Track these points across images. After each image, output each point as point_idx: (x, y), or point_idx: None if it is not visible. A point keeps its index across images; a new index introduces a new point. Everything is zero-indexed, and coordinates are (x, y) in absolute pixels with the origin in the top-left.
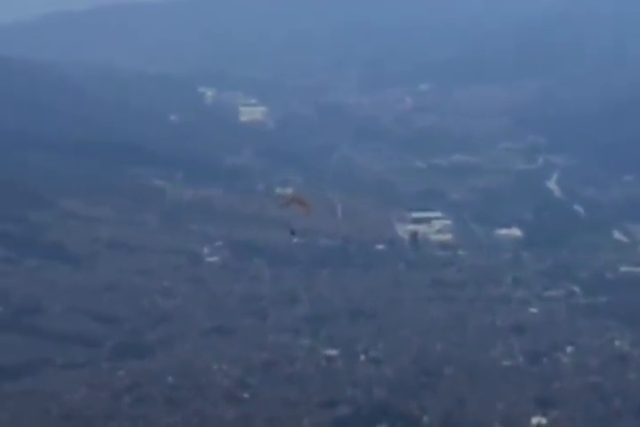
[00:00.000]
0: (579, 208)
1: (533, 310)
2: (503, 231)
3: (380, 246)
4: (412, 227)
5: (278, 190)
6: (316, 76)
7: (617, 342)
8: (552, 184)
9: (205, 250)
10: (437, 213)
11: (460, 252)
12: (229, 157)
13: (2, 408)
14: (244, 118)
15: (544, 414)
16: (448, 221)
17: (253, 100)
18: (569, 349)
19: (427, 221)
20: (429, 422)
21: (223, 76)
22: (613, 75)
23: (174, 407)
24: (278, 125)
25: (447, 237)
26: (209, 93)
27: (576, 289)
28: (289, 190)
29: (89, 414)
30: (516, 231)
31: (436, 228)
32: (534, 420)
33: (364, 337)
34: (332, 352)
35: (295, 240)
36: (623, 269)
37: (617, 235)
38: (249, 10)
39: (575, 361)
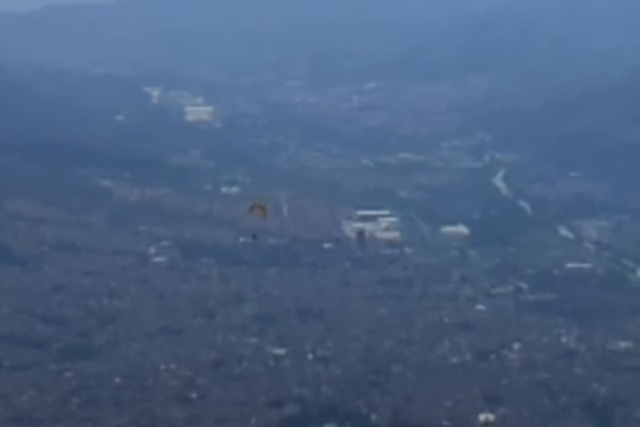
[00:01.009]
0: (525, 205)
1: (480, 307)
2: (450, 229)
3: (327, 245)
4: (359, 225)
5: (225, 189)
6: (262, 75)
7: (564, 339)
8: (499, 181)
9: (152, 250)
10: (384, 211)
11: (407, 249)
12: (176, 156)
13: None
14: (190, 118)
15: (492, 411)
16: (395, 219)
17: (200, 100)
18: (516, 345)
19: (374, 219)
20: (378, 421)
21: (169, 75)
22: (560, 71)
23: (123, 409)
24: (225, 125)
25: (394, 235)
26: (155, 93)
27: (523, 286)
28: (235, 190)
29: (36, 417)
30: (462, 229)
31: (383, 226)
32: (482, 417)
33: (311, 336)
34: (280, 351)
35: (242, 240)
36: (570, 265)
37: (563, 231)
38: (195, 9)
39: (522, 358)
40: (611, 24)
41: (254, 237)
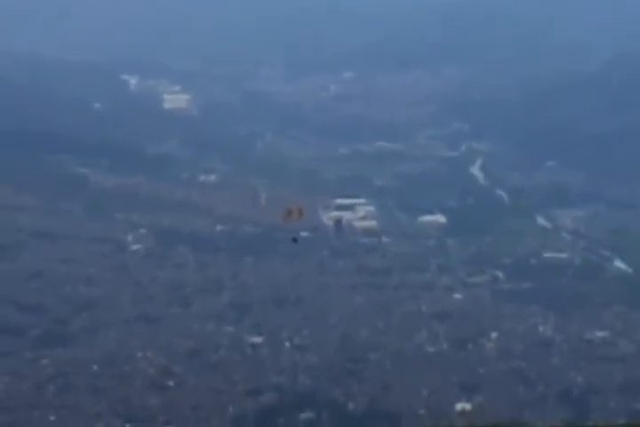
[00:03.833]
0: (502, 194)
1: (458, 296)
2: (427, 218)
3: (304, 234)
4: (336, 214)
5: (202, 178)
6: (239, 64)
7: (540, 328)
8: (476, 171)
9: (130, 238)
10: (361, 200)
11: (385, 238)
12: (153, 144)
13: None
14: (167, 106)
15: (468, 400)
16: (372, 208)
17: (177, 88)
18: (493, 334)
19: (351, 207)
20: (355, 409)
21: (146, 63)
22: (536, 60)
23: (99, 396)
24: (202, 113)
25: (371, 223)
26: (132, 81)
27: (500, 275)
28: (212, 178)
29: (13, 404)
30: (440, 218)
31: (360, 214)
32: (459, 405)
33: (288, 324)
34: (257, 340)
35: (219, 228)
36: (547, 254)
37: (540, 221)
38: None
39: (499, 346)
40: (585, 16)
41: (295, 240)
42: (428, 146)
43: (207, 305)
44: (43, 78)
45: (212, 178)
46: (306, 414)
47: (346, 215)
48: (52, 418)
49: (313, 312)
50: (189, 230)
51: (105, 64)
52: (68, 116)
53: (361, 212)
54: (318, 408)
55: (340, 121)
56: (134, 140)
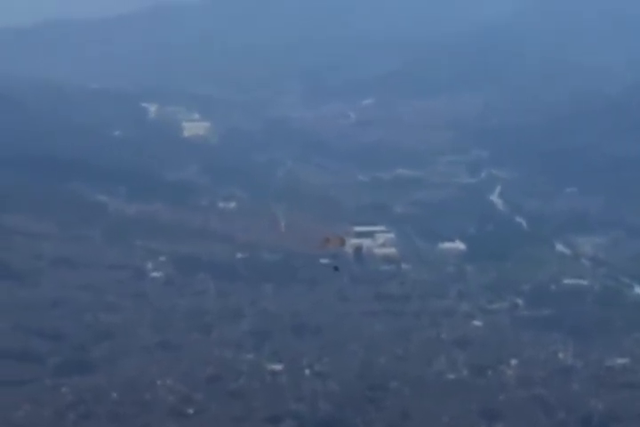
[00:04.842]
0: (522, 221)
1: (477, 323)
2: (447, 245)
3: (323, 261)
4: (355, 241)
5: (222, 205)
6: (258, 90)
7: (560, 355)
8: (495, 197)
9: (149, 265)
10: (381, 227)
11: (404, 265)
12: (173, 172)
13: None
14: (187, 133)
15: None
16: (392, 235)
17: (196, 116)
18: (513, 361)
19: (370, 235)
20: None
21: (165, 90)
22: (554, 87)
23: (119, 424)
24: (222, 140)
25: (391, 250)
26: (152, 109)
27: (520, 302)
28: (232, 205)
29: None
30: (459, 245)
31: (380, 241)
32: None
33: (308, 352)
34: (277, 367)
35: (239, 255)
36: (566, 281)
37: (560, 247)
38: (189, 25)
39: (519, 374)
40: (605, 41)
41: (336, 268)
42: (447, 173)
43: (227, 332)
44: (62, 105)
45: (232, 205)
46: None
47: (365, 242)
48: None
49: (333, 339)
50: (209, 257)
51: (124, 91)
52: (88, 143)
53: (380, 239)
54: None
55: (359, 148)
56: (154, 167)
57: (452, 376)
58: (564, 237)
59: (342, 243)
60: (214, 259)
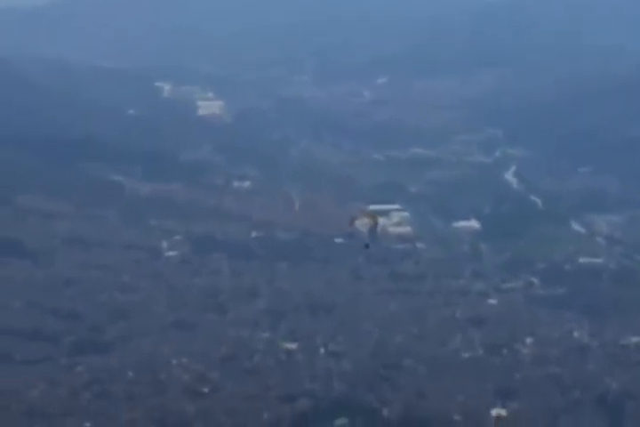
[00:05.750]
0: (536, 200)
1: (492, 301)
2: (461, 224)
3: (338, 240)
4: (370, 220)
5: (236, 184)
6: (272, 69)
7: (575, 333)
8: (510, 176)
9: (164, 244)
10: (396, 206)
11: (419, 244)
12: (187, 151)
13: None
14: (201, 113)
15: (504, 406)
16: (406, 214)
17: (210, 95)
18: (528, 340)
19: (385, 213)
20: (389, 415)
21: (179, 70)
22: (567, 66)
23: (134, 403)
24: (236, 120)
25: (406, 229)
26: (166, 88)
27: (535, 280)
28: (247, 184)
29: (48, 411)
30: (474, 223)
31: (395, 220)
32: (494, 411)
33: (323, 331)
34: (292, 346)
35: (254, 234)
36: (581, 260)
37: (575, 226)
38: (203, 4)
39: (534, 352)
40: (617, 20)
41: (367, 246)
42: (462, 152)
43: (242, 311)
44: (75, 85)
45: (246, 184)
46: (340, 420)
47: (380, 221)
48: (87, 425)
49: (347, 318)
50: (224, 237)
51: (138, 70)
52: (102, 122)
53: (395, 218)
54: (353, 414)
55: (373, 127)
56: (168, 146)
57: (466, 355)
58: (579, 216)
59: (375, 220)
60: (229, 238)
